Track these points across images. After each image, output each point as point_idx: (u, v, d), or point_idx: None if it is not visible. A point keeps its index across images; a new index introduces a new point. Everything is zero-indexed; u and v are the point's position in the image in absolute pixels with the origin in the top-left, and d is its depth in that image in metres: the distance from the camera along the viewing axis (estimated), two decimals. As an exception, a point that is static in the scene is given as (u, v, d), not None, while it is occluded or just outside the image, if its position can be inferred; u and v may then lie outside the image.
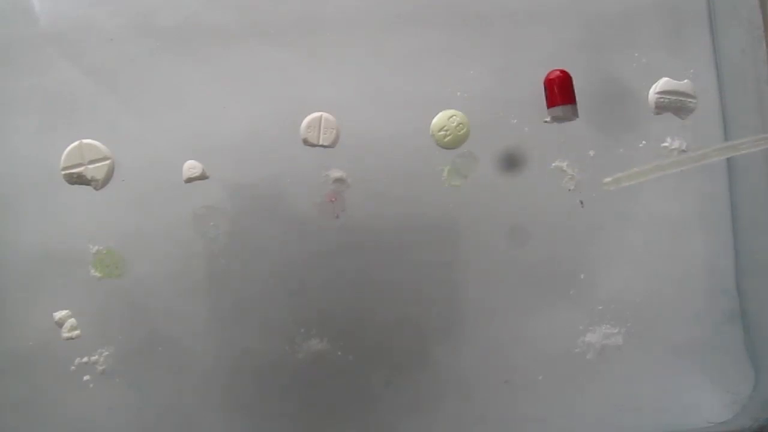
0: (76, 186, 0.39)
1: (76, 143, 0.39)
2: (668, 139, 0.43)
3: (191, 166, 0.40)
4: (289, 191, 0.41)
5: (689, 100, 0.42)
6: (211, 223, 0.41)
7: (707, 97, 0.44)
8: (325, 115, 0.40)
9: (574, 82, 0.41)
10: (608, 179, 0.37)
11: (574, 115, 0.41)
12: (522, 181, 0.42)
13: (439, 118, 0.41)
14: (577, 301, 0.42)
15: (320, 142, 0.40)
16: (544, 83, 0.41)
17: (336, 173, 0.41)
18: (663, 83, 0.42)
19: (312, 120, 0.40)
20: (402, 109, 0.41)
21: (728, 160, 0.44)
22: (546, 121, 0.41)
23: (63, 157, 0.39)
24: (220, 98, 0.41)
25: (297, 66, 0.42)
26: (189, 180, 0.40)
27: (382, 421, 0.42)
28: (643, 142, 0.43)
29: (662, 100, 0.42)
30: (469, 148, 0.42)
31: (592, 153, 0.42)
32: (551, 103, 0.41)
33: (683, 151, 0.43)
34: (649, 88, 0.42)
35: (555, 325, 0.42)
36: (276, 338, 0.41)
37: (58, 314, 0.39)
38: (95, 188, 0.39)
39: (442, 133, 0.41)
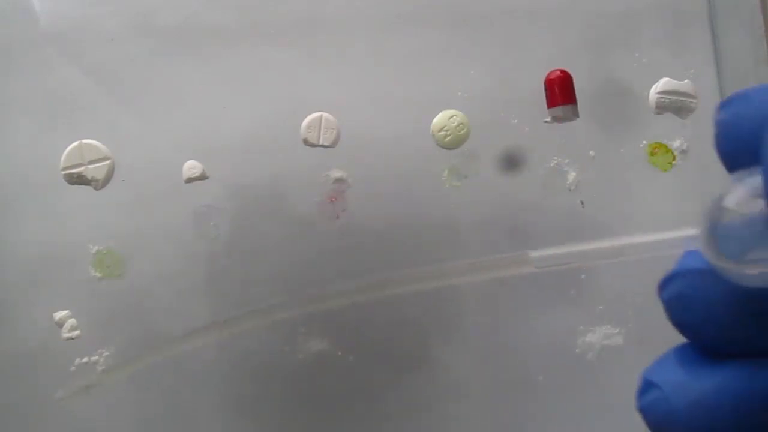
0: (76, 186, 0.39)
1: (76, 143, 0.39)
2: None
3: (191, 166, 0.40)
4: (289, 191, 0.41)
5: (690, 100, 0.42)
6: (211, 223, 0.41)
7: (707, 97, 0.44)
8: (325, 115, 0.40)
9: (575, 82, 0.41)
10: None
11: (575, 115, 0.41)
12: (522, 181, 0.42)
13: (440, 118, 0.41)
14: (577, 301, 0.42)
15: (320, 142, 0.40)
16: (545, 83, 0.41)
17: (336, 173, 0.41)
18: (663, 83, 0.42)
19: (312, 120, 0.40)
20: (402, 109, 0.41)
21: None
22: (546, 121, 0.41)
23: (63, 157, 0.39)
24: (220, 98, 0.41)
25: (297, 66, 0.42)
26: (189, 180, 0.40)
27: (382, 422, 0.41)
28: (644, 142, 0.43)
29: (663, 100, 0.42)
30: (469, 148, 0.42)
31: (592, 153, 0.42)
32: (551, 103, 0.41)
33: (684, 151, 0.43)
34: (650, 88, 0.42)
35: (555, 325, 0.42)
36: (276, 338, 0.41)
37: (58, 314, 0.39)
38: (95, 188, 0.39)
39: (443, 133, 0.41)
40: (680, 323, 0.16)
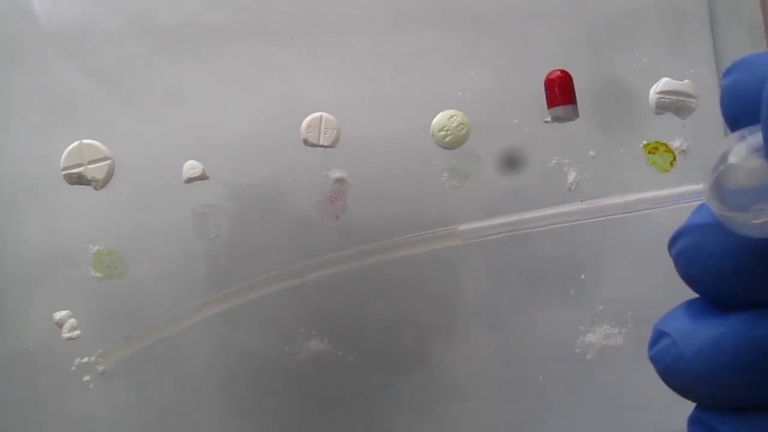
0: (76, 186, 0.39)
1: (76, 143, 0.39)
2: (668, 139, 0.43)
3: (191, 166, 0.40)
4: (289, 191, 0.41)
5: (690, 100, 0.42)
6: (211, 222, 0.41)
7: (707, 97, 0.44)
8: (325, 115, 0.40)
9: (575, 82, 0.41)
10: None
11: (575, 115, 0.41)
12: (522, 181, 0.42)
13: (440, 118, 0.41)
14: (577, 301, 0.42)
15: (320, 142, 0.40)
16: (545, 83, 0.41)
17: (336, 173, 0.41)
18: (663, 83, 0.42)
19: (312, 120, 0.40)
20: (402, 109, 0.41)
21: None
22: (546, 121, 0.41)
23: (63, 157, 0.39)
24: (220, 98, 0.41)
25: (297, 66, 0.42)
26: (189, 180, 0.40)
27: (382, 422, 0.41)
28: (644, 142, 0.43)
29: (663, 99, 0.42)
30: (469, 148, 0.42)
31: (592, 153, 0.42)
32: (551, 103, 0.41)
33: (684, 151, 0.43)
34: (650, 88, 0.42)
35: (555, 325, 0.42)
36: (276, 338, 0.41)
37: (58, 314, 0.39)
38: (95, 188, 0.39)
39: (443, 133, 0.41)
40: (688, 276, 0.16)
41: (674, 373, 0.16)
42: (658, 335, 0.17)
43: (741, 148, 0.14)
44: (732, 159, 0.14)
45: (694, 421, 0.16)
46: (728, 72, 0.16)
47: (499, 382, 0.42)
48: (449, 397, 0.42)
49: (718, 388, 0.15)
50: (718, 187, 0.14)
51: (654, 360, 0.16)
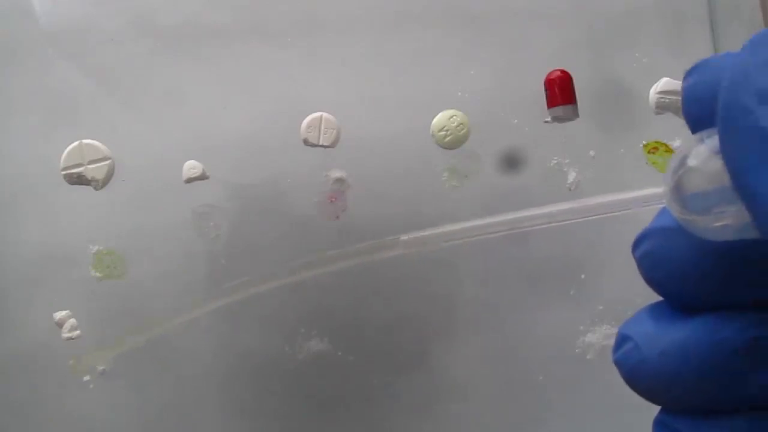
0: (76, 186, 0.39)
1: (76, 143, 0.39)
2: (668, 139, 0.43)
3: (191, 166, 0.40)
4: (289, 191, 0.41)
5: (690, 100, 0.42)
6: (211, 222, 0.41)
7: (708, 97, 0.44)
8: (325, 115, 0.40)
9: (575, 82, 0.41)
10: None
11: (575, 115, 0.41)
12: (522, 181, 0.42)
13: (440, 118, 0.41)
14: (577, 301, 0.42)
15: (320, 142, 0.40)
16: (545, 83, 0.41)
17: (336, 173, 0.41)
18: (664, 83, 0.42)
19: (312, 120, 0.40)
20: (402, 109, 0.41)
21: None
22: (546, 121, 0.41)
23: (63, 157, 0.39)
24: (220, 98, 0.41)
25: (297, 66, 0.42)
26: (189, 180, 0.40)
27: (382, 422, 0.41)
28: (644, 142, 0.43)
29: (663, 100, 0.42)
30: (469, 148, 0.42)
31: (592, 153, 0.42)
32: (551, 103, 0.41)
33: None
34: (650, 88, 0.42)
35: (555, 325, 0.42)
36: (276, 338, 0.41)
37: (58, 314, 0.39)
38: (95, 188, 0.39)
39: (443, 133, 0.41)
40: (651, 280, 0.17)
41: (637, 376, 0.16)
42: (622, 339, 0.17)
43: (699, 151, 0.14)
44: (691, 162, 0.14)
45: (658, 424, 0.16)
46: (688, 74, 0.16)
47: (499, 382, 0.42)
48: (449, 397, 0.42)
49: (683, 392, 0.15)
50: (678, 190, 0.14)
51: (617, 364, 0.16)
